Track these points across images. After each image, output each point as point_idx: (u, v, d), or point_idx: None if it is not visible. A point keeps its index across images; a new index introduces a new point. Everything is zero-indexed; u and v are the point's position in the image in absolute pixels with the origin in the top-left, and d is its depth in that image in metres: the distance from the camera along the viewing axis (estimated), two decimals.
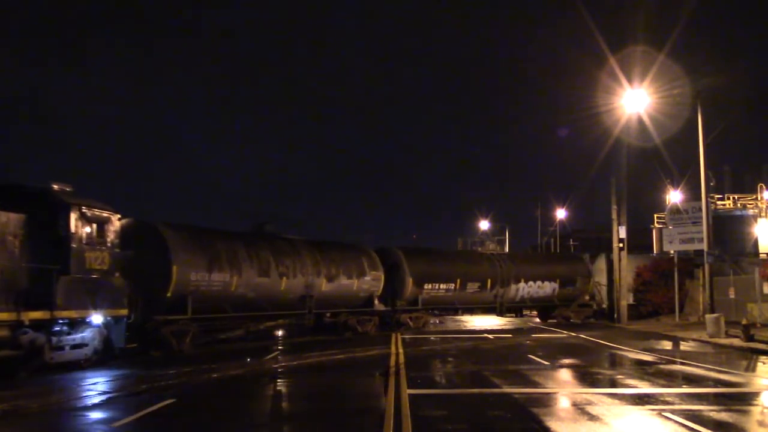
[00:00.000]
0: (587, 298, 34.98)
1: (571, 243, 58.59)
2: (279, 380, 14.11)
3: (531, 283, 32.54)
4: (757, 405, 11.24)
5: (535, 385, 12.65)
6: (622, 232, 33.26)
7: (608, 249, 35.17)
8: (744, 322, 20.97)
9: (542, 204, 59.02)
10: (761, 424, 9.49)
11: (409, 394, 11.08)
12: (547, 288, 33.16)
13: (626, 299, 33.05)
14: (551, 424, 8.86)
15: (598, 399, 10.82)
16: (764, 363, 16.58)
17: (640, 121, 27.80)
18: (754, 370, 15.46)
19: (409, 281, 27.47)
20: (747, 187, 41.48)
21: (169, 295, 18.28)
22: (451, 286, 29.16)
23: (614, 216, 33.55)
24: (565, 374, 14.93)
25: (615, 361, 17.87)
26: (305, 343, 22.42)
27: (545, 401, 10.90)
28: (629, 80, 26.15)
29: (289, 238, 24.30)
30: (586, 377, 14.05)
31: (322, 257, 24.37)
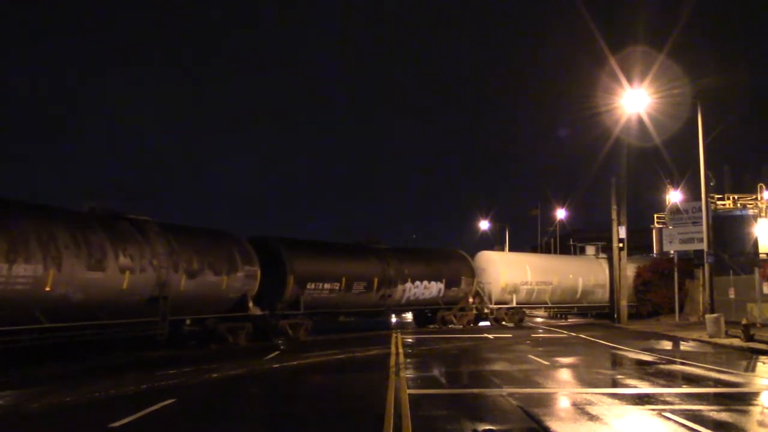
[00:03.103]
0: (471, 300, 31.70)
1: (571, 243, 58.63)
2: (279, 380, 14.12)
3: (418, 283, 28.88)
4: (757, 405, 11.24)
5: (535, 385, 12.66)
6: (622, 232, 33.33)
7: (608, 249, 35.19)
8: (744, 322, 20.98)
9: (542, 204, 59.10)
10: (761, 424, 9.48)
11: (409, 394, 11.09)
12: (433, 289, 29.61)
13: (626, 299, 33.07)
14: (551, 424, 8.87)
15: (598, 399, 10.82)
16: (764, 363, 16.59)
17: (640, 121, 27.85)
18: (754, 370, 15.46)
19: (291, 279, 22.94)
20: (747, 187, 41.45)
21: None
22: (336, 286, 24.85)
23: (614, 216, 33.61)
24: (565, 374, 14.93)
25: (615, 361, 17.88)
26: (305, 343, 22.41)
27: (545, 401, 10.92)
28: (629, 80, 26.20)
29: (135, 219, 18.31)
30: (586, 377, 14.06)
31: (180, 246, 18.95)
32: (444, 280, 30.01)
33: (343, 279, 25.23)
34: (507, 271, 32.74)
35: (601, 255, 38.70)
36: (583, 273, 36.08)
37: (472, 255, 33.79)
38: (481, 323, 32.30)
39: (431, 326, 30.66)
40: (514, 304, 32.79)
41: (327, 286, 24.56)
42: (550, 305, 35.07)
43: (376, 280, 26.80)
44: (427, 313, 31.09)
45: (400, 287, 28.10)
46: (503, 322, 32.41)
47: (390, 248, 29.35)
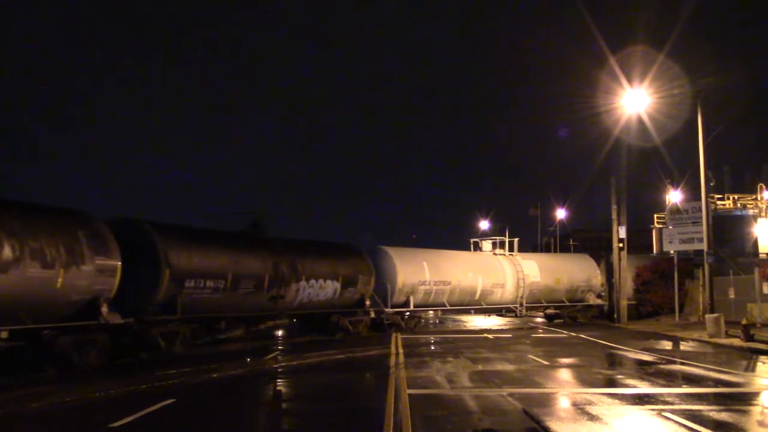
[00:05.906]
0: (368, 302, 27.28)
1: (571, 243, 58.74)
2: (279, 380, 14.13)
3: (313, 282, 24.12)
4: (757, 405, 11.25)
5: (535, 385, 12.66)
6: (622, 232, 33.32)
7: (608, 249, 35.16)
8: (744, 322, 21.01)
9: (542, 204, 59.11)
10: (761, 424, 9.49)
11: (409, 394, 11.11)
12: (328, 289, 24.92)
13: (625, 299, 33.03)
14: (551, 424, 8.87)
15: (598, 399, 10.83)
16: (764, 363, 16.61)
17: (640, 121, 27.88)
18: (754, 370, 15.47)
19: (166, 275, 17.94)
20: (747, 187, 41.49)
21: None
22: (221, 284, 19.95)
23: (614, 216, 33.61)
24: (565, 374, 14.94)
25: (615, 361, 17.88)
26: (305, 343, 22.41)
27: (545, 401, 10.92)
28: (629, 80, 26.24)
29: None
30: (586, 377, 14.07)
31: None
32: (341, 279, 25.43)
33: (230, 276, 20.31)
34: (405, 270, 28.68)
35: (499, 251, 34.76)
36: (483, 271, 32.29)
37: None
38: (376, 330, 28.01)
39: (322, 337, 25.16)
40: (412, 307, 29.10)
41: (210, 284, 19.57)
42: (447, 307, 31.12)
43: (267, 277, 21.89)
44: (315, 317, 25.69)
45: (293, 286, 23.23)
46: (397, 328, 28.52)
47: (281, 239, 25.77)
